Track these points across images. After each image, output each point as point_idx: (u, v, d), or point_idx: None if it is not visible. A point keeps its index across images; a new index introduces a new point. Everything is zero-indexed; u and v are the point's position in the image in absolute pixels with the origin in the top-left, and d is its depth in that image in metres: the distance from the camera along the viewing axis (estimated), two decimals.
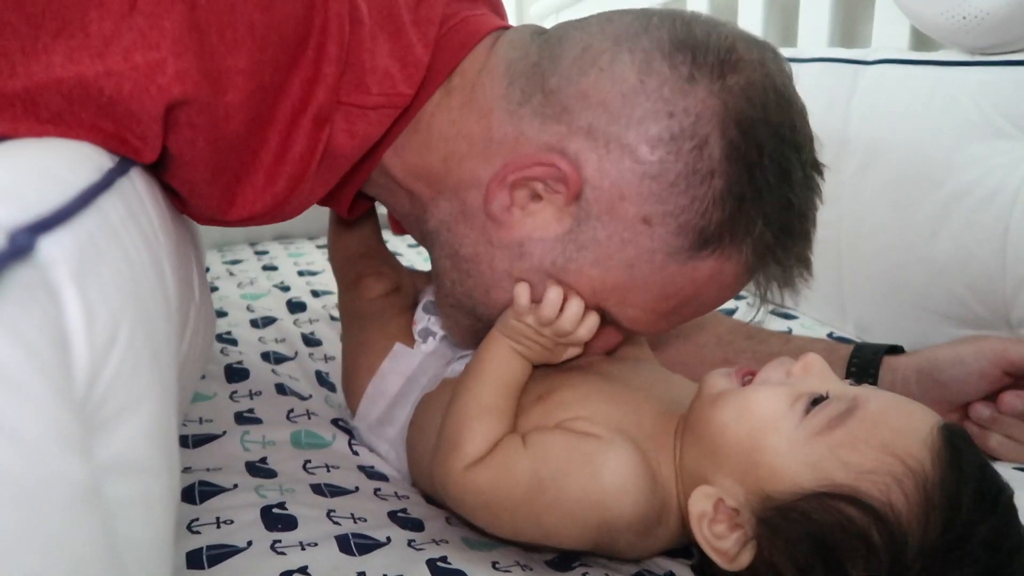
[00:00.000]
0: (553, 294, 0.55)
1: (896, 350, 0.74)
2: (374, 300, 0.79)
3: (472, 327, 0.63)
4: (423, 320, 0.73)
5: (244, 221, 0.56)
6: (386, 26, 0.55)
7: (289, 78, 0.51)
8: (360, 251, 0.84)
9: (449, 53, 0.58)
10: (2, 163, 0.35)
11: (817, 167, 0.55)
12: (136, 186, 0.44)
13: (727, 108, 0.51)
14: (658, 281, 0.54)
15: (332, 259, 0.87)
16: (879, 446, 0.46)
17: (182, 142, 0.49)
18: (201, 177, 0.52)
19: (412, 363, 0.71)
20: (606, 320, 0.58)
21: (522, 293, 0.56)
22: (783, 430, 0.49)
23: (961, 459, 0.45)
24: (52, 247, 0.28)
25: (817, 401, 0.49)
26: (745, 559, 0.49)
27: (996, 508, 0.45)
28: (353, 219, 0.81)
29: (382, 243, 0.85)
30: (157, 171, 0.51)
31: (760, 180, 0.51)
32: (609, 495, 0.51)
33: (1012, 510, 0.46)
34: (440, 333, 0.72)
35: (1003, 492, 0.46)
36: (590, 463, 0.52)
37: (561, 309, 0.56)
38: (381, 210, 0.80)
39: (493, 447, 0.54)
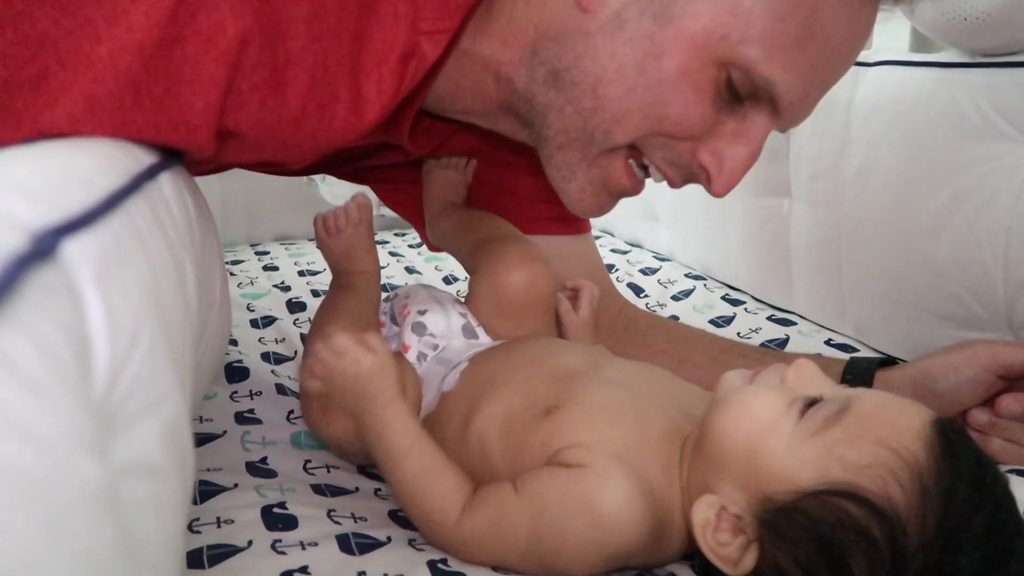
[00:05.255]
0: (335, 341, 0.57)
1: (888, 363, 0.74)
2: None
3: (588, 158, 0.61)
4: (415, 343, 0.71)
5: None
6: None
7: (367, 24, 0.52)
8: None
9: None
10: (29, 164, 0.35)
11: None
12: (163, 190, 0.44)
13: None
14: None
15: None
16: (874, 441, 0.47)
17: (253, 105, 0.50)
18: (286, 130, 0.53)
19: None
20: (739, 95, 0.55)
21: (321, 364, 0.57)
22: (780, 433, 0.49)
23: (954, 449, 0.46)
24: (75, 249, 0.29)
25: (812, 403, 0.50)
26: (749, 563, 0.49)
27: (992, 494, 0.45)
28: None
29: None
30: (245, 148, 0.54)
31: None
32: (610, 532, 0.51)
33: (1008, 496, 0.47)
34: (432, 354, 0.70)
35: (998, 479, 0.47)
36: (586, 506, 0.52)
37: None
38: None
39: (470, 495, 0.56)
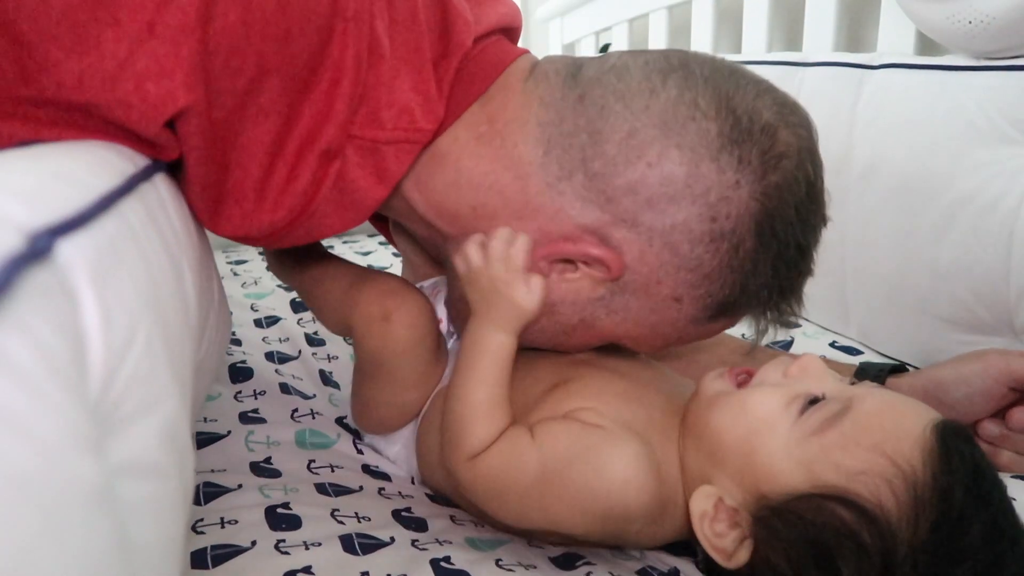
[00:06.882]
0: (502, 235, 0.55)
1: (898, 369, 0.74)
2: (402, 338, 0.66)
3: None
4: (445, 320, 0.72)
5: (237, 239, 0.56)
6: (411, 60, 0.54)
7: (298, 110, 0.51)
8: (351, 280, 0.70)
9: (469, 85, 0.57)
10: (24, 166, 0.35)
11: (826, 220, 0.57)
12: (159, 191, 0.44)
13: (764, 210, 0.53)
14: (673, 336, 0.60)
15: (318, 308, 0.75)
16: (870, 447, 0.47)
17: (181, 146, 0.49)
18: (194, 181, 0.52)
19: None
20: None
21: (474, 253, 0.56)
22: (778, 431, 0.50)
23: (952, 457, 0.46)
24: (71, 249, 0.29)
25: (814, 402, 0.50)
26: (743, 557, 0.50)
27: (989, 504, 0.45)
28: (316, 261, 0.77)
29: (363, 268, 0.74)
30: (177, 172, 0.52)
31: (780, 266, 0.55)
32: (614, 486, 0.52)
33: (1006, 504, 0.47)
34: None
35: (996, 488, 0.47)
36: (596, 454, 0.53)
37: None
38: None
39: (497, 437, 0.55)
